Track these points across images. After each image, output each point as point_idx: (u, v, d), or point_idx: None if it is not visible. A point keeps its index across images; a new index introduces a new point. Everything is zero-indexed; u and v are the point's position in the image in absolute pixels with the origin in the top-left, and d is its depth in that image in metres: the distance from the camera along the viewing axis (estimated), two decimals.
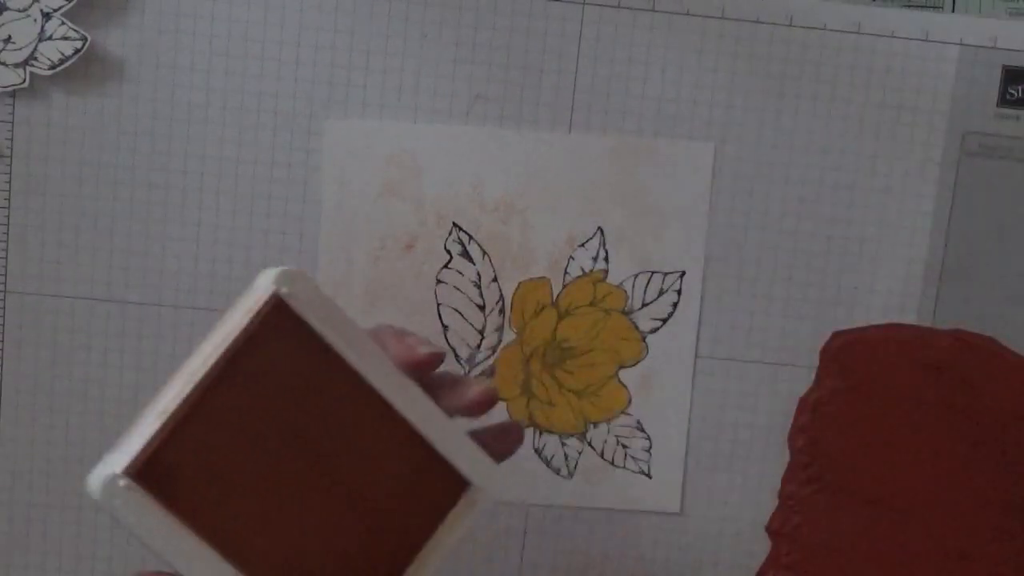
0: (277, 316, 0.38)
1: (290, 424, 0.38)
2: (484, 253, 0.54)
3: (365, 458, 0.39)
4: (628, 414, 0.55)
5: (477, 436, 0.42)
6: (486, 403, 0.41)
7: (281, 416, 0.38)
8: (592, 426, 0.55)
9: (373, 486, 0.40)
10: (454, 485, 0.41)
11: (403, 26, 0.53)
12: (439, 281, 0.54)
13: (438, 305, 0.54)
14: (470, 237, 0.54)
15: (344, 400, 0.39)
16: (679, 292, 0.55)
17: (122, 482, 0.35)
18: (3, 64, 0.51)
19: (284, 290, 0.38)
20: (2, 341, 0.54)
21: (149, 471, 0.36)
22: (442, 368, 0.43)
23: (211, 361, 0.37)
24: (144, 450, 0.36)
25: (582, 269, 0.55)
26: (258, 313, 0.37)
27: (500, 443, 0.42)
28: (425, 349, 0.40)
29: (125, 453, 0.36)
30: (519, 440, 0.43)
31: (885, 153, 0.54)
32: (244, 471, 0.37)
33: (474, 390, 0.41)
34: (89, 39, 0.51)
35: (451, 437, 0.40)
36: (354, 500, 0.39)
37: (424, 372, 0.41)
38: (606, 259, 0.55)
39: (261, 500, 0.38)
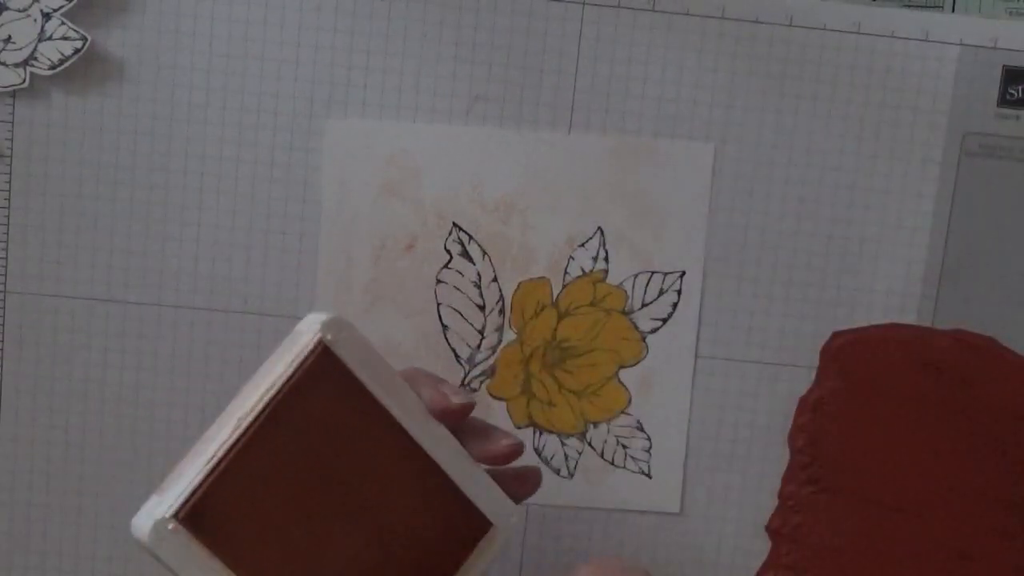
0: (322, 362, 0.39)
1: (329, 467, 0.40)
2: (484, 253, 0.54)
3: (397, 499, 0.41)
4: (628, 414, 0.55)
5: (498, 476, 0.44)
6: (511, 456, 0.43)
7: (320, 459, 0.40)
8: (592, 426, 0.55)
9: (404, 526, 0.41)
10: (477, 524, 0.43)
11: (403, 26, 0.53)
12: (439, 281, 0.54)
13: (438, 305, 0.54)
14: (470, 237, 0.54)
15: (379, 443, 0.41)
16: (679, 292, 0.55)
17: (171, 526, 0.36)
18: (3, 64, 0.51)
19: (330, 337, 0.39)
20: (2, 341, 0.54)
21: (196, 515, 0.37)
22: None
23: (259, 407, 0.38)
24: (192, 495, 0.37)
25: (582, 269, 0.55)
26: (304, 360, 0.39)
27: (519, 486, 0.45)
28: (458, 399, 0.42)
29: (173, 497, 0.37)
30: (537, 485, 0.46)
31: (885, 153, 0.54)
32: (284, 513, 0.39)
33: (501, 444, 0.43)
34: (89, 39, 0.51)
35: (476, 480, 0.43)
36: (386, 540, 0.41)
37: (455, 420, 0.43)
38: (606, 259, 0.55)
39: (299, 542, 0.39)
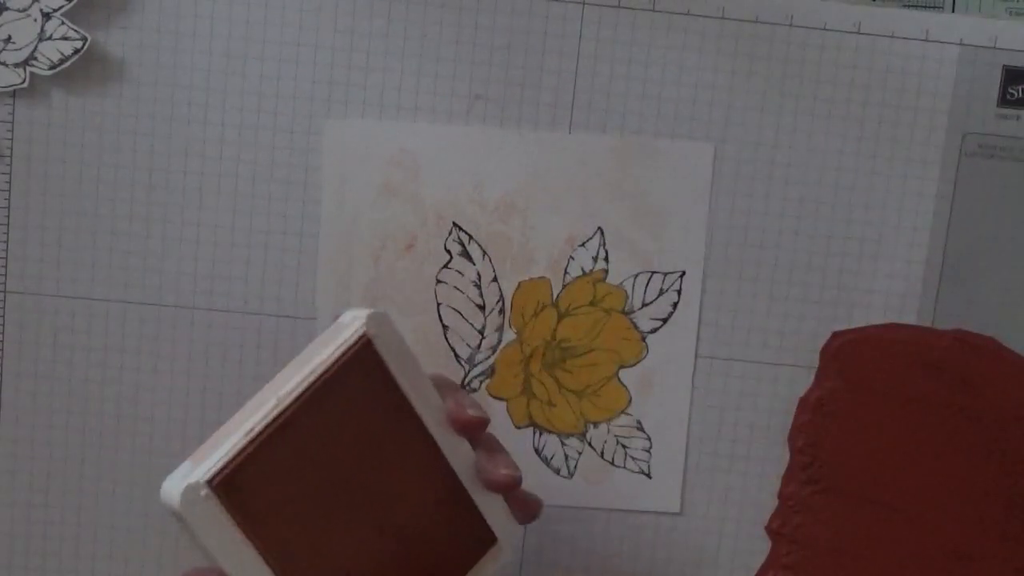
0: (362, 355, 0.40)
1: (355, 457, 0.41)
2: (484, 253, 0.54)
3: (413, 499, 0.42)
4: (628, 414, 0.55)
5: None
6: (506, 486, 0.44)
7: (349, 449, 0.40)
8: (592, 426, 0.55)
9: (416, 526, 0.42)
10: (483, 538, 0.44)
11: (403, 26, 0.53)
12: (439, 281, 0.54)
13: (438, 305, 0.54)
14: (470, 237, 0.54)
15: (403, 441, 0.42)
16: (679, 292, 0.55)
17: (203, 492, 0.37)
18: (3, 64, 0.51)
19: (373, 332, 0.40)
20: (2, 341, 0.54)
21: (228, 485, 0.38)
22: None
23: (299, 389, 0.39)
24: (226, 465, 0.38)
25: (582, 269, 0.55)
26: (347, 350, 0.40)
27: (520, 512, 0.45)
28: (473, 412, 0.43)
29: (208, 465, 0.38)
30: (536, 516, 0.46)
31: (885, 153, 0.54)
32: (308, 495, 0.40)
33: (500, 472, 0.43)
34: (89, 39, 0.51)
35: (488, 495, 0.44)
36: (397, 536, 0.42)
37: (465, 432, 0.43)
38: (606, 259, 0.55)
39: (317, 526, 0.40)
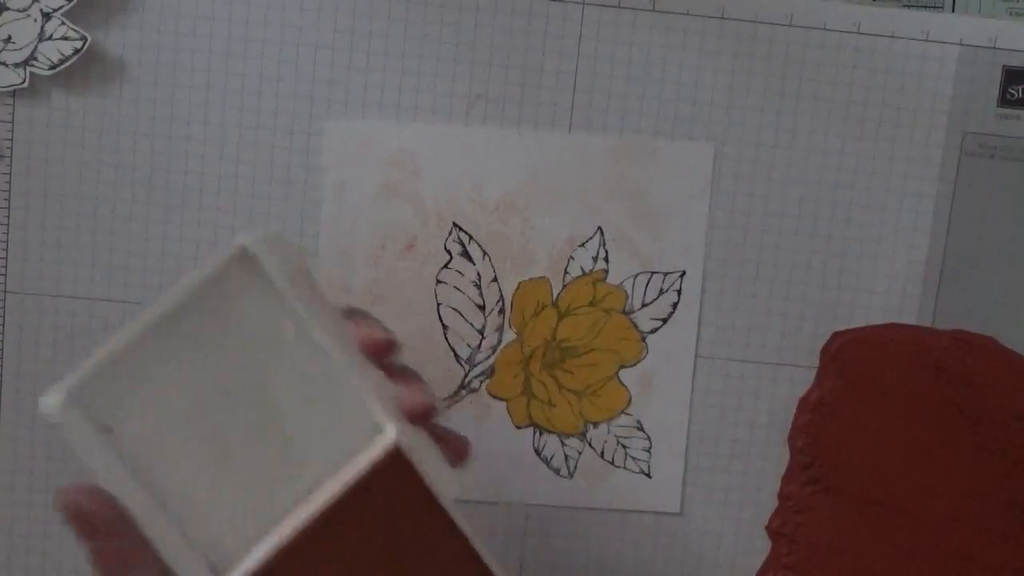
0: (394, 464, 0.39)
1: (386, 565, 0.39)
2: (484, 253, 0.54)
3: None
4: (628, 414, 0.55)
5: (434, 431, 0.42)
6: (419, 415, 0.40)
7: (380, 557, 0.39)
8: (592, 426, 0.55)
9: None
10: None
11: (403, 26, 0.53)
12: (439, 281, 0.54)
13: (438, 305, 0.54)
14: (470, 237, 0.54)
15: (437, 550, 0.40)
16: (679, 292, 0.55)
17: None
18: (3, 64, 0.51)
19: (404, 440, 0.39)
20: (2, 341, 0.54)
21: None
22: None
23: (328, 499, 0.38)
24: (258, 569, 0.37)
25: (582, 269, 0.55)
26: (376, 463, 0.38)
27: (446, 449, 0.42)
28: (379, 332, 0.40)
29: (240, 568, 0.37)
30: (466, 455, 0.43)
31: (885, 153, 0.55)
32: None
33: (409, 396, 0.40)
34: (89, 39, 0.51)
35: None
36: None
37: (375, 356, 0.40)
38: (606, 259, 0.55)
39: None
